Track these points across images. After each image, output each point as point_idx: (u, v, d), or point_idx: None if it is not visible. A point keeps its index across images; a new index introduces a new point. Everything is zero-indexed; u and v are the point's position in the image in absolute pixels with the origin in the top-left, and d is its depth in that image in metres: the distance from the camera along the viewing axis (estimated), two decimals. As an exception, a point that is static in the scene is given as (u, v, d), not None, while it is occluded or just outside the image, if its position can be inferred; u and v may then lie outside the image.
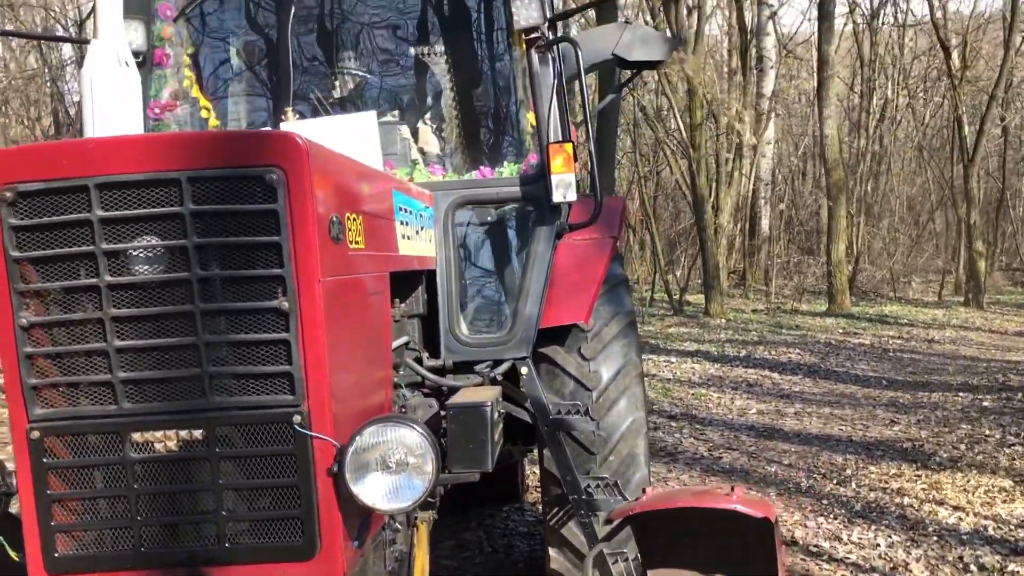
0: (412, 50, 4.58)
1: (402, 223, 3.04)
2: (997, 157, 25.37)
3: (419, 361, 3.66)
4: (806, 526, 5.78)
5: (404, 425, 2.26)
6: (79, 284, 2.15)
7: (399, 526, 2.90)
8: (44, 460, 2.20)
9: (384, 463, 2.23)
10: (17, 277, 2.14)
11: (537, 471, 5.11)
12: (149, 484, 2.21)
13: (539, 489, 4.72)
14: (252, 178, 2.08)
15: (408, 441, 2.24)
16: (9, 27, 16.15)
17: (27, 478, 2.21)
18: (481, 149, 4.37)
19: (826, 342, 14.46)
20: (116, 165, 2.08)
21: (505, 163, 4.02)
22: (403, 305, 3.42)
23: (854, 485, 6.63)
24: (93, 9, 3.11)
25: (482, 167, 4.01)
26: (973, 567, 5.02)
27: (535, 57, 3.86)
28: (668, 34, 13.83)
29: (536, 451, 4.34)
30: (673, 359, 12.59)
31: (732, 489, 2.52)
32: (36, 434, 2.19)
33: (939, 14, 20.84)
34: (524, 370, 3.90)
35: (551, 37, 3.85)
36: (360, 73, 4.42)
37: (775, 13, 21.60)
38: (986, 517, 5.83)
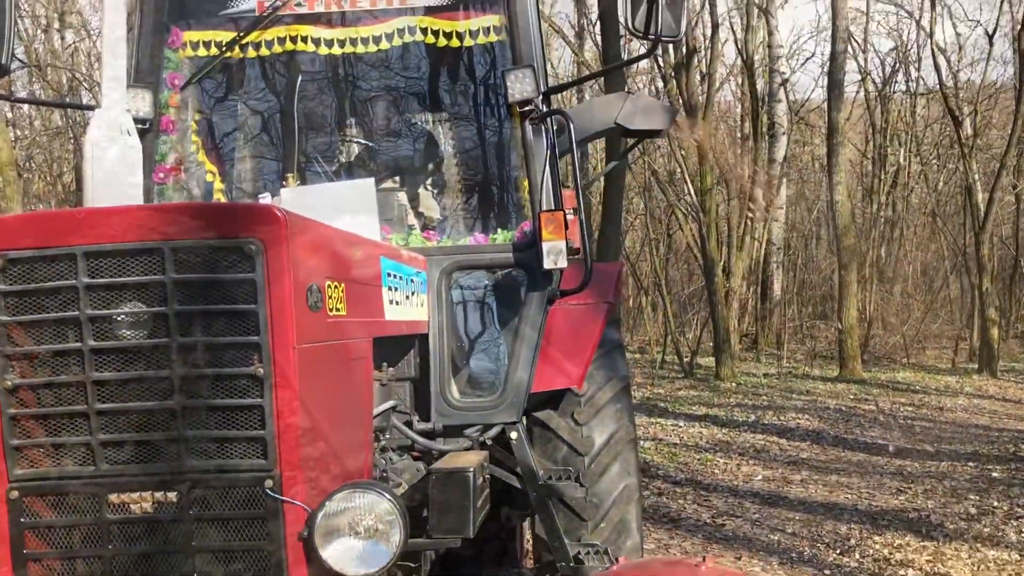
0: (414, 118, 4.71)
1: (390, 288, 3.11)
2: (1011, 224, 25.34)
3: (409, 424, 3.69)
4: (806, 597, 5.70)
5: (373, 491, 2.29)
6: (64, 348, 2.22)
7: None
8: (22, 520, 2.24)
9: (353, 529, 2.26)
10: (5, 340, 2.21)
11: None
12: (125, 545, 2.25)
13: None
14: (231, 248, 2.16)
15: (377, 508, 2.27)
16: (37, 87, 16.62)
17: (4, 537, 2.25)
18: (476, 216, 4.46)
19: (836, 408, 14.34)
20: (103, 234, 2.16)
21: (499, 230, 4.10)
22: (392, 369, 3.47)
23: (857, 555, 6.54)
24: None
25: (476, 233, 4.09)
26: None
27: (529, 128, 3.96)
28: (669, 104, 14.06)
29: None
30: (682, 423, 12.52)
31: (704, 559, 2.52)
32: (15, 494, 2.24)
33: (950, 82, 21.08)
34: (514, 435, 3.92)
35: (544, 109, 3.95)
36: (362, 140, 4.55)
37: (786, 80, 21.91)
38: (990, 591, 5.74)
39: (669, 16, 3.49)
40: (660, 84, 19.19)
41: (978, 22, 23.16)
